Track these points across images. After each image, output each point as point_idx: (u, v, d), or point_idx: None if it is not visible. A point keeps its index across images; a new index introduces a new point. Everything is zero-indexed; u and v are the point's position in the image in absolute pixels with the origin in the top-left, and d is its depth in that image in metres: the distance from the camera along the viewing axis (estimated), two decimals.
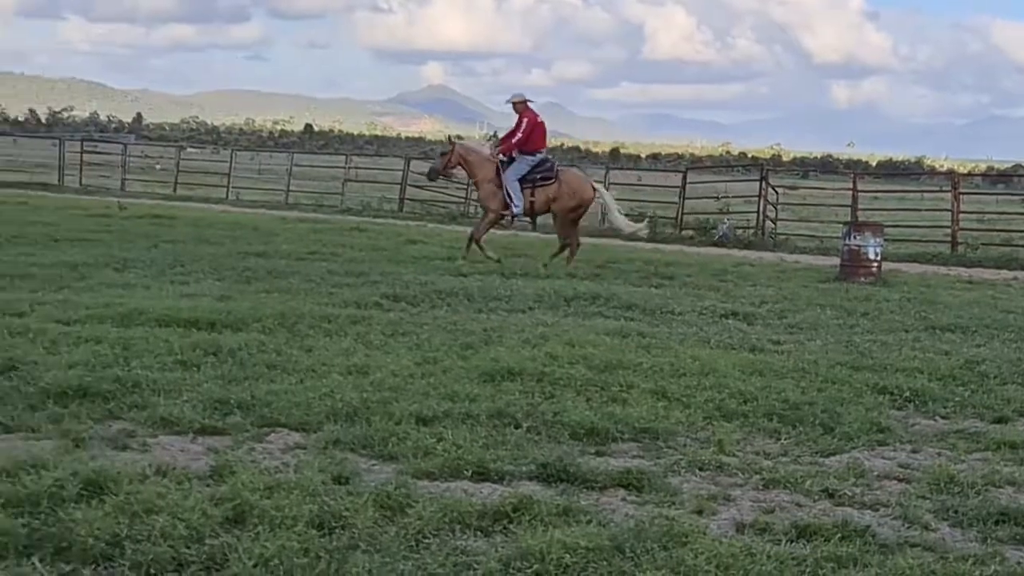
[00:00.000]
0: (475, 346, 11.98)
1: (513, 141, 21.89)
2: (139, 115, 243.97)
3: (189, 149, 77.50)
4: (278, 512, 6.23)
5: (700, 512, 7.02)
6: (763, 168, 38.31)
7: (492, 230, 22.97)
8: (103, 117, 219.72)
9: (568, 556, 5.88)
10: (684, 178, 38.19)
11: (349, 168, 48.00)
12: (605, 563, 5.92)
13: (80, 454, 7.39)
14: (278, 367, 10.40)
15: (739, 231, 34.00)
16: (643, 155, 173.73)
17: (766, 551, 6.18)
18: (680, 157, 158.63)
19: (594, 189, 22.96)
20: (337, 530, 6.19)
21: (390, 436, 8.17)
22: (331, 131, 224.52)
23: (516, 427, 8.68)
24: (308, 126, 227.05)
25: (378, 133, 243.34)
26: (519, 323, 13.89)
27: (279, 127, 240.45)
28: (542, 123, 22.25)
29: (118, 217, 29.36)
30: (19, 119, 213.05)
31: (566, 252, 22.22)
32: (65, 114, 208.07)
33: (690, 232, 34.65)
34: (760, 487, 7.70)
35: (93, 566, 5.64)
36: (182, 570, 5.64)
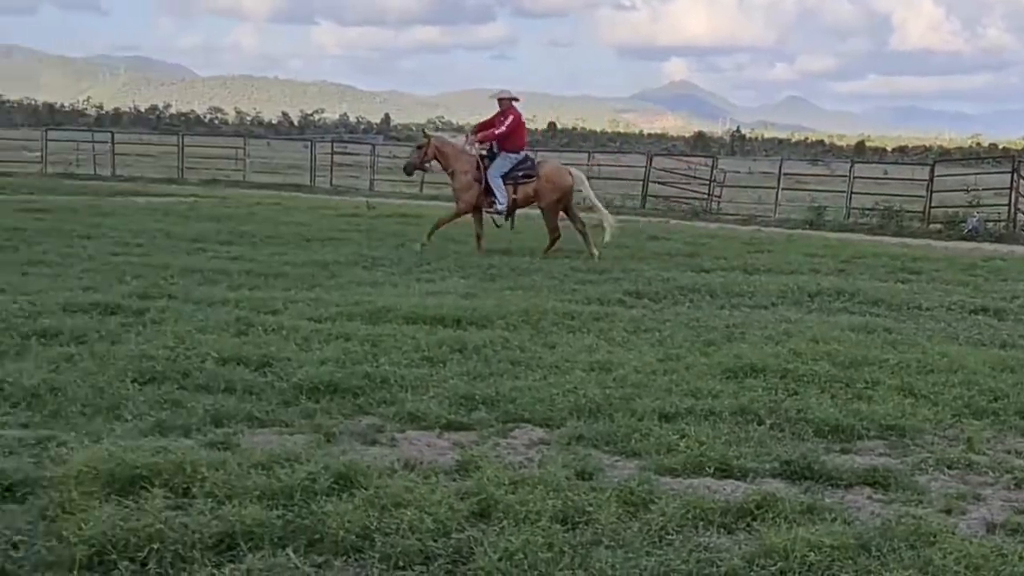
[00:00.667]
0: (717, 342, 11.91)
1: (496, 132, 21.77)
2: (387, 116, 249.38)
3: None
4: (522, 507, 6.31)
5: (949, 511, 6.86)
6: (1015, 160, 37.02)
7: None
8: (352, 119, 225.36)
9: (812, 554, 5.81)
10: (932, 171, 37.19)
11: (591, 165, 48.13)
12: (850, 562, 5.83)
13: (331, 448, 7.60)
14: (522, 363, 10.51)
15: (989, 224, 32.97)
16: (889, 148, 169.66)
17: (1018, 552, 6.00)
18: (927, 150, 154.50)
19: (571, 175, 22.87)
20: (580, 525, 6.24)
21: (633, 432, 8.19)
22: (574, 129, 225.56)
23: (759, 424, 8.60)
24: (551, 124, 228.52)
25: (620, 130, 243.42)
26: (762, 319, 13.74)
27: None
28: (524, 123, 22.39)
29: (367, 216, 30.03)
30: (273, 122, 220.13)
31: (551, 244, 22.08)
32: (316, 116, 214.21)
33: (938, 226, 33.75)
34: (1012, 487, 7.47)
35: (344, 558, 5.80)
36: (429, 563, 5.75)
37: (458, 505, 6.35)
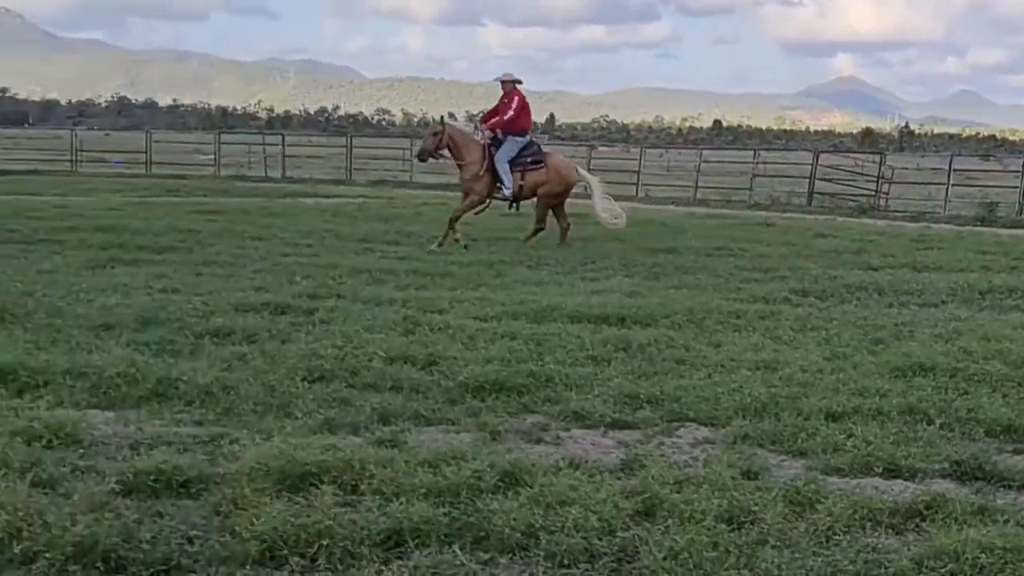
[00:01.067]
0: (886, 341, 11.72)
1: (504, 118, 21.63)
2: (552, 116, 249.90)
3: (600, 148, 78.76)
4: (687, 506, 6.28)
5: None
6: None
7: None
8: None
9: (984, 556, 5.68)
10: None
11: (757, 163, 47.68)
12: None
13: (496, 446, 7.64)
14: (687, 362, 10.47)
15: None
16: None
17: None
18: None
19: (577, 173, 22.88)
20: (746, 525, 6.19)
21: (799, 432, 8.10)
22: (739, 126, 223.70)
23: (928, 424, 8.44)
24: (716, 122, 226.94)
25: (786, 127, 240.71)
26: (931, 317, 13.48)
27: (687, 124, 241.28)
28: (528, 106, 22.14)
29: (528, 217, 30.14)
30: None
31: (538, 235, 22.12)
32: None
33: None
34: None
35: (509, 555, 5.83)
36: (594, 561, 5.76)
37: (623, 504, 6.35)
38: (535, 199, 22.11)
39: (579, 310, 12.89)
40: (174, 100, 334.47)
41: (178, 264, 17.04)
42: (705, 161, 48.75)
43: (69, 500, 6.16)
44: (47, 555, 5.51)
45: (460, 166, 21.84)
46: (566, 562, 5.73)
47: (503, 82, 22.10)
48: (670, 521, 6.13)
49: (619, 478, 7.01)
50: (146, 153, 52.36)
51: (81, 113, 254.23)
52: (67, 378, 9.03)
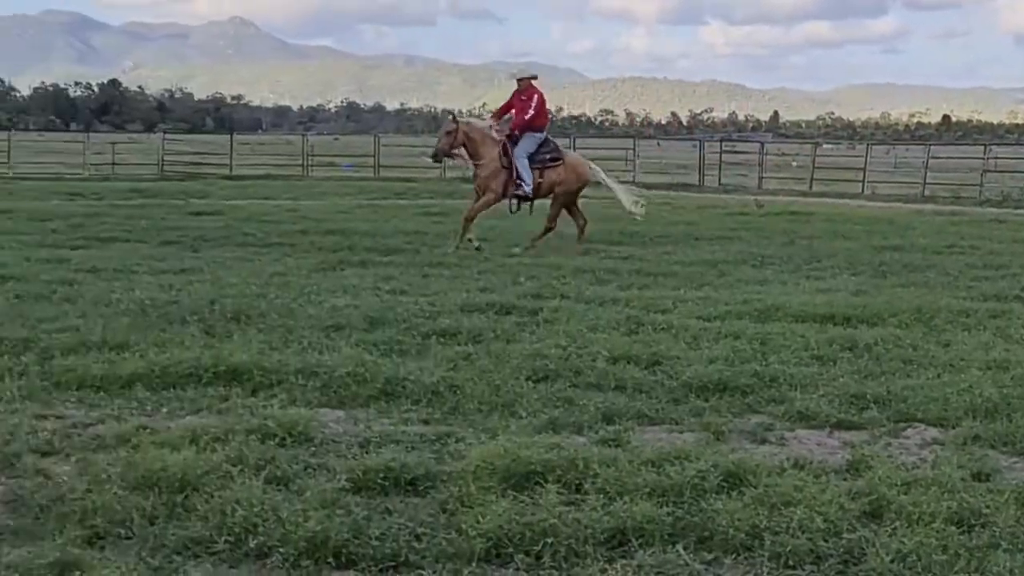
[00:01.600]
0: None
1: (526, 117, 20.70)
2: (776, 114, 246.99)
3: (825, 145, 77.53)
4: (915, 508, 6.16)
5: None
6: None
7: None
8: (741, 117, 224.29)
9: None
10: None
11: (988, 158, 46.28)
12: None
13: (720, 446, 7.61)
14: (914, 362, 10.25)
15: None
16: None
17: None
18: None
19: (591, 169, 21.91)
20: (977, 528, 6.03)
21: None
22: (969, 121, 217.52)
23: None
24: (945, 117, 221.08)
25: (1019, 121, 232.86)
26: None
27: (915, 119, 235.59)
28: (545, 101, 21.46)
29: (755, 215, 29.88)
30: (662, 122, 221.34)
31: (549, 235, 21.09)
32: (705, 116, 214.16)
33: None
34: None
35: (733, 556, 5.80)
36: (820, 563, 5.69)
37: (849, 505, 6.26)
38: (551, 198, 21.18)
39: (804, 309, 12.73)
40: (401, 104, 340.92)
41: (405, 266, 17.36)
42: (933, 157, 47.53)
43: (301, 497, 6.35)
44: (281, 550, 5.69)
45: (477, 164, 20.90)
46: (791, 563, 5.67)
47: (519, 79, 21.42)
48: (897, 523, 6.01)
49: (845, 479, 6.92)
50: (374, 156, 53.47)
51: (312, 118, 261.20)
52: (299, 377, 9.30)
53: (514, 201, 20.95)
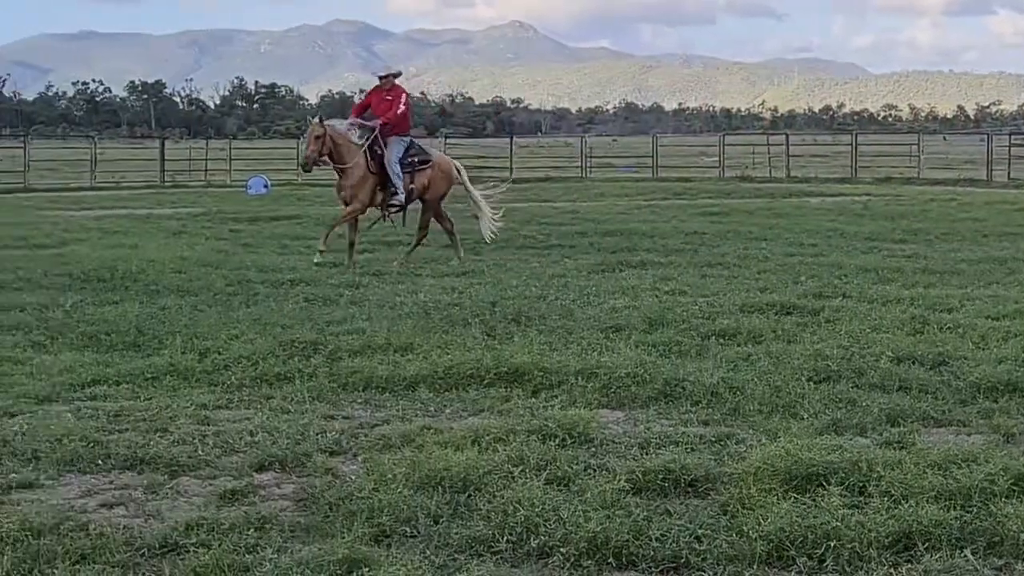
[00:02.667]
0: None
1: (398, 112, 18.86)
2: None
3: None
4: None
5: None
6: None
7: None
8: None
9: None
10: None
11: None
12: None
13: (1011, 449, 7.36)
14: None
15: None
16: None
17: None
18: None
19: (455, 167, 20.10)
20: None
21: None
22: None
23: None
24: None
25: None
26: None
27: None
28: (410, 103, 19.84)
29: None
30: (947, 116, 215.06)
31: (423, 243, 19.54)
32: (992, 109, 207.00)
33: None
34: None
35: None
36: None
37: None
38: (421, 203, 19.39)
39: None
40: (679, 104, 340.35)
41: (684, 266, 17.32)
42: None
43: (582, 497, 6.40)
44: (562, 550, 5.74)
45: (340, 171, 18.81)
46: None
47: (382, 76, 19.63)
48: None
49: None
50: (652, 157, 53.48)
51: (590, 120, 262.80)
52: (579, 378, 9.38)
53: (391, 210, 19.18)
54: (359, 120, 19.09)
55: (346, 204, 18.78)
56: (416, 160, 19.04)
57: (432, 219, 19.45)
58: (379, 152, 18.61)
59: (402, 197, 18.75)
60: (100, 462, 7.34)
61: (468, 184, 20.11)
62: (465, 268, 17.33)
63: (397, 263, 18.26)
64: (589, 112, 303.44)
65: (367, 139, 18.59)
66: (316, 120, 19.05)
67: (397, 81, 19.67)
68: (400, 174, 18.70)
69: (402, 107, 19.01)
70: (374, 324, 11.88)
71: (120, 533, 6.02)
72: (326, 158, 18.55)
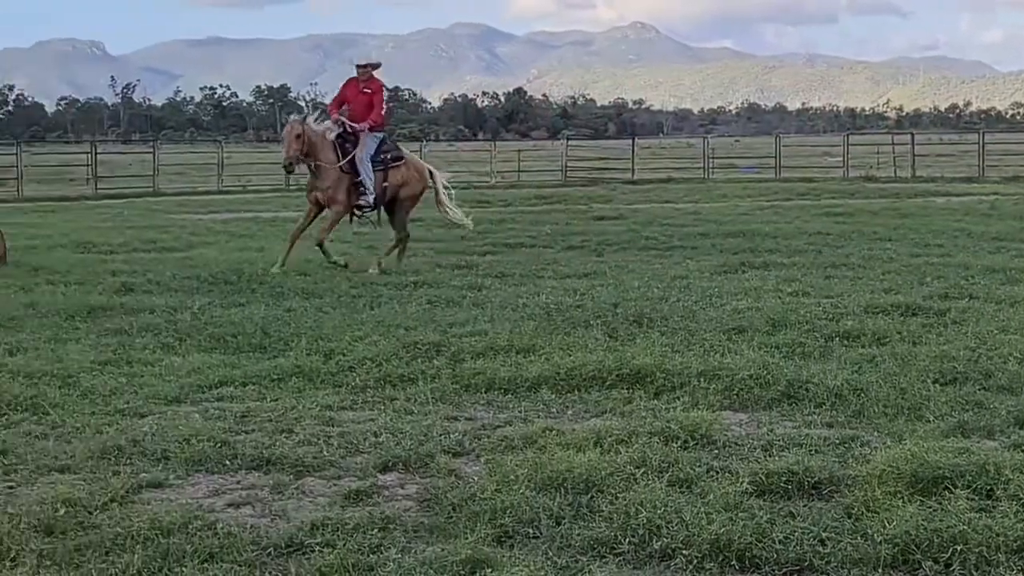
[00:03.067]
0: None
1: (383, 112, 18.53)
2: None
3: None
4: None
5: None
6: None
7: None
8: None
9: None
10: None
11: None
12: None
13: None
14: None
15: None
16: None
17: None
18: None
19: (430, 172, 19.30)
20: None
21: None
22: None
23: None
24: None
25: None
26: None
27: None
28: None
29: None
30: None
31: (400, 247, 18.64)
32: None
33: None
34: None
35: None
36: None
37: None
38: (396, 204, 18.56)
39: None
40: (803, 104, 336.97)
41: (807, 267, 17.15)
42: None
43: (704, 499, 6.38)
44: (684, 552, 5.73)
45: (315, 170, 18.05)
46: None
47: (360, 66, 18.72)
48: None
49: None
50: (775, 158, 53.02)
51: (712, 121, 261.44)
52: (701, 380, 9.34)
53: (360, 211, 18.47)
54: (343, 119, 18.14)
55: (318, 205, 18.16)
56: (390, 157, 18.28)
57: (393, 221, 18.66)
58: (349, 148, 17.89)
59: (371, 197, 17.98)
60: (227, 462, 7.48)
61: (440, 189, 19.30)
62: (589, 270, 17.29)
63: (374, 270, 17.38)
64: (711, 113, 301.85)
65: (336, 133, 17.85)
66: (295, 118, 18.18)
67: (375, 73, 18.83)
68: (371, 173, 17.90)
69: (385, 105, 18.69)
70: (496, 326, 11.93)
71: (247, 532, 6.13)
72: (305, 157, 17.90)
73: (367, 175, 17.80)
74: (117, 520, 6.26)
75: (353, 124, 17.96)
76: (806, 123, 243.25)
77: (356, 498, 6.76)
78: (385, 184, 18.03)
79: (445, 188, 19.60)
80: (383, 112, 18.52)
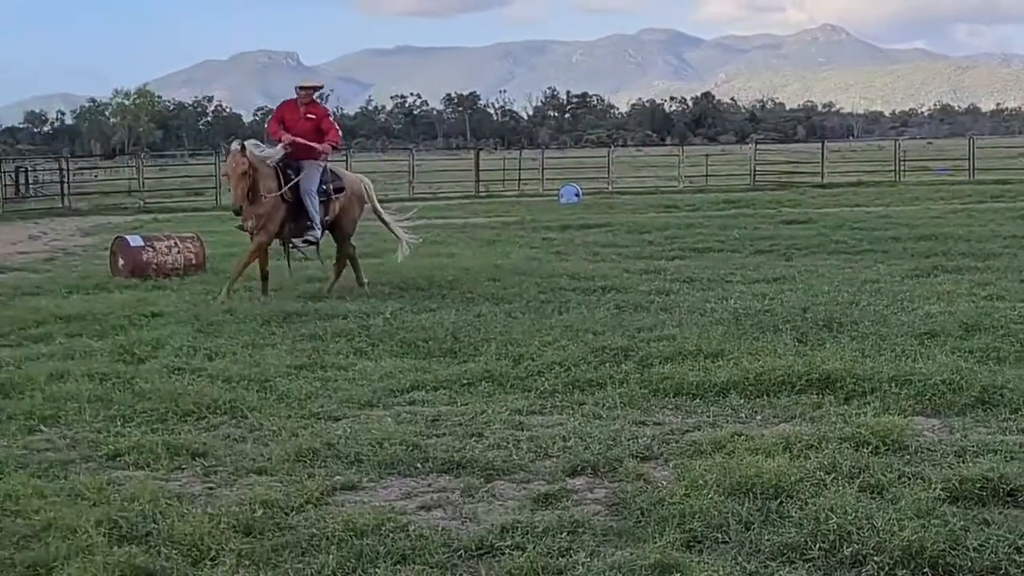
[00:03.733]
0: None
1: (340, 135, 16.95)
2: None
3: None
4: None
5: None
6: None
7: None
8: None
9: None
10: None
11: None
12: None
13: None
14: None
15: None
16: None
17: None
18: None
19: (363, 183, 17.67)
20: None
21: None
22: None
23: None
24: None
25: None
26: None
27: None
28: None
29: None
30: None
31: (354, 266, 17.19)
32: None
33: None
34: None
35: None
36: None
37: None
38: (338, 231, 17.00)
39: None
40: (997, 104, 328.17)
41: (1002, 271, 16.76)
42: None
43: (896, 506, 6.31)
44: (875, 559, 5.68)
45: (254, 201, 15.84)
46: None
47: (304, 87, 16.90)
48: None
49: None
50: (968, 159, 51.79)
51: (904, 123, 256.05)
52: (893, 385, 9.22)
53: (306, 244, 16.69)
54: (302, 140, 16.17)
55: (248, 232, 16.30)
56: (331, 188, 16.61)
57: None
58: (292, 175, 16.08)
59: (319, 233, 16.41)
60: (419, 465, 7.62)
61: (377, 205, 17.85)
62: (778, 275, 17.15)
63: (326, 288, 16.57)
64: (903, 115, 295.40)
65: (276, 160, 15.97)
66: (237, 148, 15.93)
67: (316, 96, 17.41)
68: (318, 207, 16.28)
69: (338, 129, 16.96)
70: (684, 330, 11.91)
71: (438, 534, 6.24)
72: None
73: (314, 208, 16.25)
74: (312, 521, 6.45)
75: (314, 145, 16.24)
76: (1001, 124, 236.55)
77: (545, 501, 6.83)
78: (327, 217, 16.56)
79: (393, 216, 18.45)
80: (339, 133, 17.04)
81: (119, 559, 5.85)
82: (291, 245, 16.68)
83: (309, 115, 16.45)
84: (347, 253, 17.06)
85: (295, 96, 16.73)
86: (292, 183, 15.96)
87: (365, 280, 16.89)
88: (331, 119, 16.87)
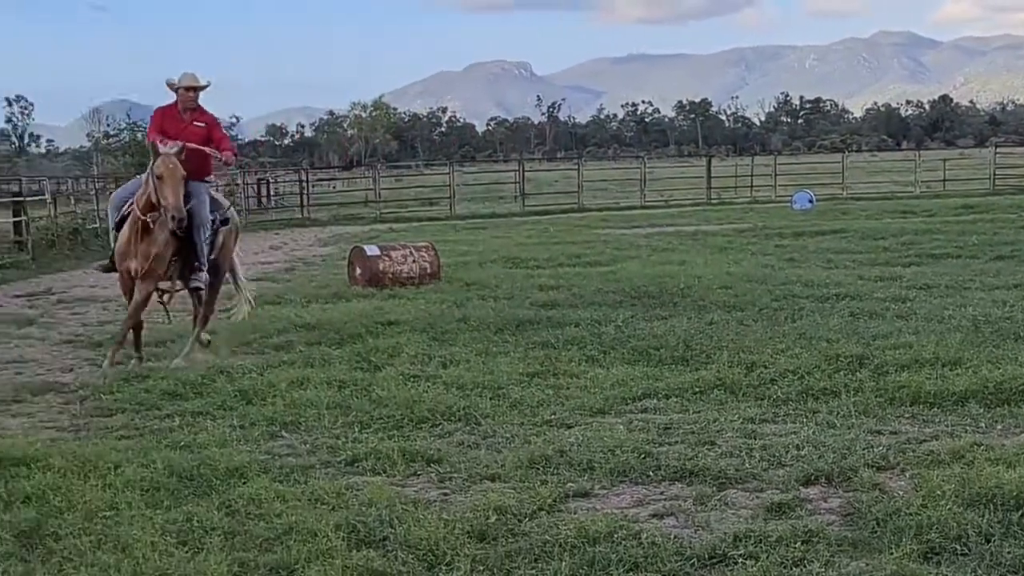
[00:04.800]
0: None
1: (233, 152, 13.21)
2: None
3: None
4: None
5: None
6: None
7: None
8: None
9: None
10: None
11: None
12: None
13: None
14: None
15: None
16: None
17: None
18: None
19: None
20: None
21: None
22: None
23: None
24: None
25: None
26: None
27: None
28: None
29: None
30: None
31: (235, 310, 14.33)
32: None
33: None
34: None
35: None
36: None
37: None
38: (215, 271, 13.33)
39: None
40: None
41: None
42: None
43: None
44: None
45: (146, 228, 12.25)
46: None
47: (185, 88, 12.83)
48: None
49: None
50: None
51: None
52: None
53: (194, 291, 13.27)
54: (197, 146, 12.55)
55: (129, 276, 12.54)
56: (219, 219, 13.13)
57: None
58: (189, 200, 12.30)
59: (206, 276, 12.97)
60: (651, 473, 7.64)
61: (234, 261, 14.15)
62: (1018, 281, 16.63)
63: (187, 348, 13.05)
64: None
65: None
66: (170, 151, 12.12)
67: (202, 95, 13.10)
68: (208, 241, 12.85)
69: (229, 139, 13.50)
70: (921, 338, 11.67)
71: (670, 542, 6.25)
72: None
73: (205, 244, 12.80)
74: (545, 528, 6.52)
75: (216, 153, 12.77)
76: None
77: (779, 511, 6.79)
78: (212, 256, 13.04)
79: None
80: (233, 148, 13.38)
81: (357, 563, 6.01)
82: (165, 293, 13.24)
83: (197, 123, 12.87)
84: (212, 299, 13.58)
85: (175, 99, 12.98)
86: (189, 206, 12.25)
87: (208, 338, 13.43)
88: (221, 128, 13.32)
